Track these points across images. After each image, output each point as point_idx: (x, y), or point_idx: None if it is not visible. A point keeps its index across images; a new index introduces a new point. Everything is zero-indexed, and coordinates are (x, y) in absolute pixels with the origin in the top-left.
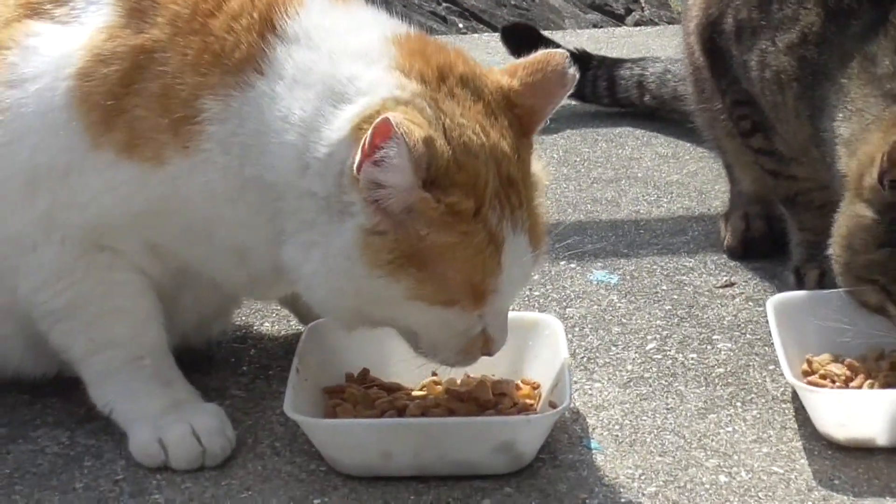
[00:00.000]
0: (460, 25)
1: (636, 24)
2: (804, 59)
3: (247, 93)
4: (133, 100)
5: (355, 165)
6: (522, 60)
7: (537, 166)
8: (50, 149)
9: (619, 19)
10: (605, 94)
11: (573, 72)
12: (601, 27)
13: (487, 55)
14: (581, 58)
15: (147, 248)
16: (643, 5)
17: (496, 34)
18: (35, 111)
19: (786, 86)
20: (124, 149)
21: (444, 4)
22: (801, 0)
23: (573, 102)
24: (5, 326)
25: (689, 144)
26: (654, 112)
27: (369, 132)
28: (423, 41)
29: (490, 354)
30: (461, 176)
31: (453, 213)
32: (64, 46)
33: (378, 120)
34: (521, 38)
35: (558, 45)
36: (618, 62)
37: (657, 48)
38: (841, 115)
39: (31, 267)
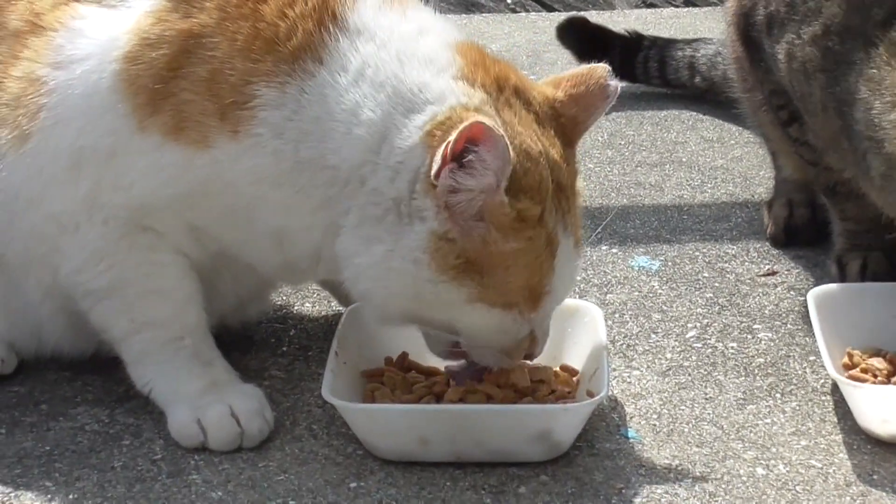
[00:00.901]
0: (508, 1)
1: (685, 1)
2: (828, 50)
3: (306, 80)
4: (180, 83)
5: (433, 172)
6: (567, 73)
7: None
8: (95, 131)
9: None
10: (656, 74)
11: (615, 84)
12: (650, 3)
13: (535, 35)
14: (633, 39)
15: (188, 231)
16: None
17: (544, 13)
18: (81, 93)
19: (812, 76)
20: (170, 132)
21: None
22: None
23: (621, 84)
24: (46, 306)
25: (735, 128)
26: (704, 94)
27: (453, 137)
28: (480, 52)
29: (532, 357)
30: (527, 181)
31: (522, 219)
32: (111, 29)
33: (467, 123)
34: (577, 32)
35: (610, 32)
36: (670, 43)
37: (705, 30)
38: (880, 101)
39: (73, 247)
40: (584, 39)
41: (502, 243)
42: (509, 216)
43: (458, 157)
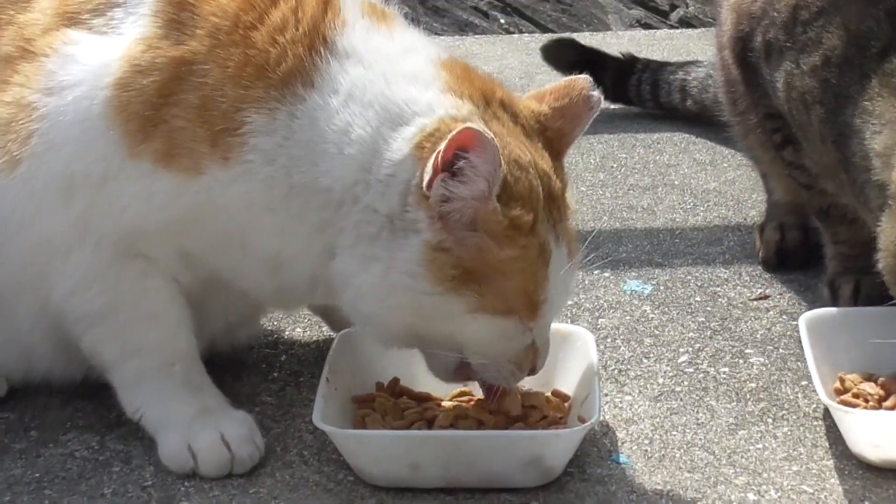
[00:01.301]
0: (502, 21)
1: (680, 20)
2: (827, 82)
3: (296, 105)
4: (171, 110)
5: (425, 182)
6: (549, 87)
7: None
8: (87, 157)
9: (663, 15)
10: (649, 97)
11: (598, 94)
12: (645, 23)
13: (528, 56)
14: (626, 61)
15: (179, 256)
16: (687, 1)
17: (537, 34)
18: (73, 119)
19: (811, 107)
20: (161, 158)
21: None
22: (824, 24)
23: (613, 106)
24: (37, 331)
25: (727, 151)
26: (696, 117)
27: (444, 145)
28: (465, 67)
29: (535, 371)
30: (518, 189)
31: (515, 227)
32: (103, 55)
33: (457, 130)
34: (563, 52)
35: (601, 53)
36: (663, 66)
37: (698, 51)
38: (869, 131)
39: (64, 272)
40: (576, 62)
41: (497, 251)
42: (502, 224)
43: (449, 166)
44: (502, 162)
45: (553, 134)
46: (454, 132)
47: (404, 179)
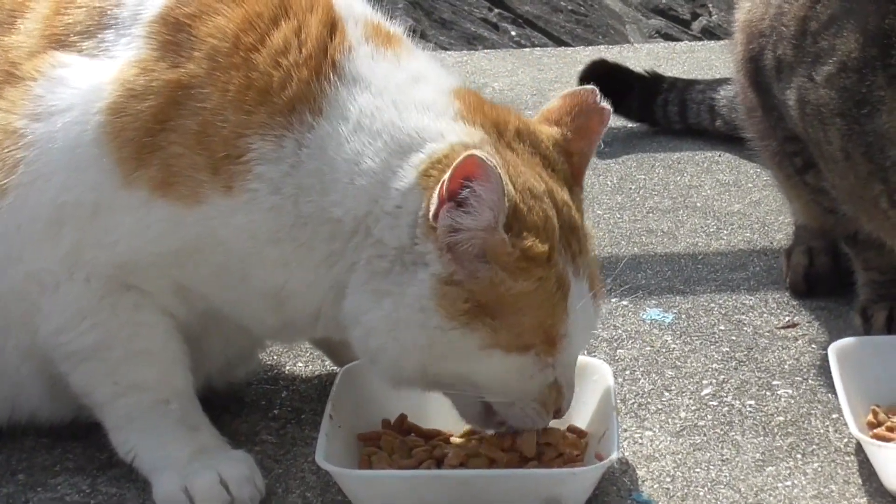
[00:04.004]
0: (513, 33)
1: (703, 30)
2: (845, 90)
3: (304, 133)
4: (169, 136)
5: (431, 212)
6: (557, 105)
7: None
8: (78, 186)
9: (684, 25)
10: (677, 118)
11: (607, 105)
12: (666, 33)
13: (539, 72)
14: (652, 80)
15: (175, 290)
16: (710, 10)
17: (549, 48)
18: (63, 147)
19: (828, 122)
20: (158, 187)
21: (496, 11)
22: (836, 31)
23: (631, 125)
24: (24, 369)
25: (752, 171)
26: (728, 138)
27: (447, 175)
28: (478, 97)
29: (560, 413)
30: (531, 219)
31: (528, 258)
32: (94, 79)
33: (461, 158)
34: (597, 74)
35: (630, 72)
36: (690, 84)
37: (721, 65)
38: None
39: (53, 307)
40: (601, 80)
41: (510, 283)
42: (513, 255)
43: (454, 195)
44: (513, 191)
45: (577, 157)
46: (458, 160)
47: (412, 210)
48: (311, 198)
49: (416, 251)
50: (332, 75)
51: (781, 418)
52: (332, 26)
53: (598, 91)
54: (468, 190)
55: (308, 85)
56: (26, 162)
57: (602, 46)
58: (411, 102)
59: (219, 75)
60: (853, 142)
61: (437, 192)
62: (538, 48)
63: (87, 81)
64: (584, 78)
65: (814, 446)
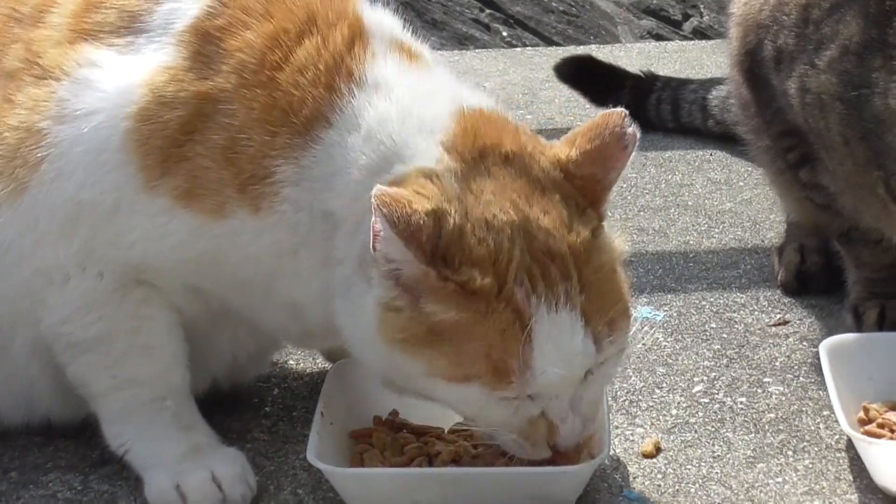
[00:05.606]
0: (504, 34)
1: (694, 31)
2: (845, 73)
3: (315, 148)
4: (195, 148)
5: (370, 240)
6: (581, 127)
7: (614, 237)
8: (99, 185)
9: (675, 25)
10: (670, 118)
11: (632, 130)
12: (657, 34)
13: (531, 71)
14: (646, 80)
15: (188, 288)
16: (702, 10)
17: (541, 48)
18: (87, 149)
19: (828, 107)
20: (181, 196)
21: (488, 11)
22: (839, 17)
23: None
24: (33, 365)
25: (744, 169)
26: (720, 137)
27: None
28: (483, 118)
29: (557, 448)
30: (478, 252)
31: (468, 292)
32: (122, 80)
33: (375, 191)
34: (579, 70)
35: (618, 70)
36: (683, 84)
37: (712, 64)
38: None
39: (59, 299)
40: (593, 80)
41: (447, 314)
42: (446, 288)
43: (377, 232)
44: (456, 223)
45: (584, 182)
46: (377, 193)
47: (366, 229)
48: (324, 196)
49: (367, 272)
50: (343, 86)
51: (772, 415)
52: (355, 37)
53: (626, 114)
54: (377, 225)
55: (319, 102)
56: (49, 160)
57: (594, 46)
58: (415, 118)
59: (245, 92)
60: (852, 127)
61: (373, 219)
62: (530, 48)
63: (115, 84)
64: (562, 71)
65: (805, 443)
